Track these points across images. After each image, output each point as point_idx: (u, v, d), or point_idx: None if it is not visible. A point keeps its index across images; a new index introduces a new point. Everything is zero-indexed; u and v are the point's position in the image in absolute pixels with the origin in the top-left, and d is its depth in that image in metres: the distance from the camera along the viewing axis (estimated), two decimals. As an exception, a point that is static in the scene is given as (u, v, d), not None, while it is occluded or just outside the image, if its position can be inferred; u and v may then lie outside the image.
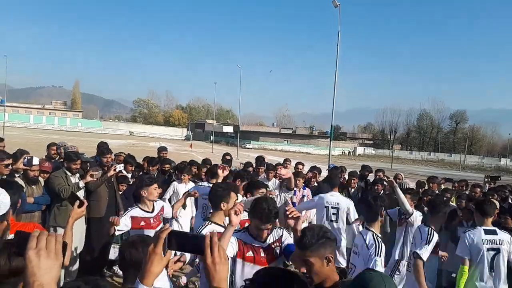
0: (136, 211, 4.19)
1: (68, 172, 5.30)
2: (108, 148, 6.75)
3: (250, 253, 2.93)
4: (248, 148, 62.83)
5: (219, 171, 5.00)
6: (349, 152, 75.50)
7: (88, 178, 5.30)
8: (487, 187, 8.03)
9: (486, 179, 8.54)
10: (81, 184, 5.24)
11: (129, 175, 6.82)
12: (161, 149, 8.43)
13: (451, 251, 6.22)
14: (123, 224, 4.03)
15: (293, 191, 5.88)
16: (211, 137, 58.83)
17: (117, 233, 4.12)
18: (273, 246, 3.00)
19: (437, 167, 53.85)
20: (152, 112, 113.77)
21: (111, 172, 5.72)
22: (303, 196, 6.65)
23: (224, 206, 3.29)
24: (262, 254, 2.93)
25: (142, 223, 4.18)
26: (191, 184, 6.59)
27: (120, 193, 6.09)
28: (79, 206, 2.85)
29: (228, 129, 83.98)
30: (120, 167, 6.03)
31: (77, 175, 5.39)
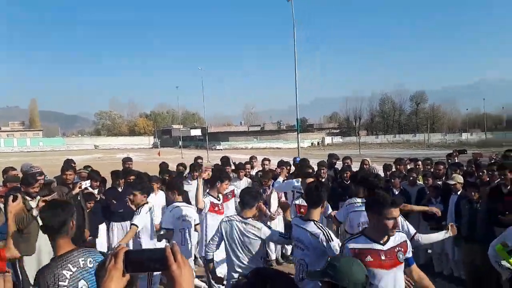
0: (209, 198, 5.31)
1: (27, 197, 5.00)
2: (69, 164, 6.51)
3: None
4: (218, 150, 62.46)
5: None
6: (318, 143, 76.53)
7: (41, 205, 4.94)
8: (456, 160, 8.49)
9: (454, 153, 9.22)
10: (35, 212, 4.74)
11: (96, 191, 6.60)
12: (126, 160, 8.22)
13: (422, 230, 6.42)
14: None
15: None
16: (180, 142, 58.11)
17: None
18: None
19: (403, 148, 55.50)
20: (115, 123, 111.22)
21: (76, 190, 5.52)
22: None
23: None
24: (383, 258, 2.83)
25: (216, 208, 5.33)
26: (161, 193, 6.45)
27: (88, 211, 5.88)
28: (13, 200, 2.87)
29: (196, 132, 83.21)
30: (86, 183, 5.81)
31: (38, 197, 5.10)
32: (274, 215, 6.59)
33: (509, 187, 5.28)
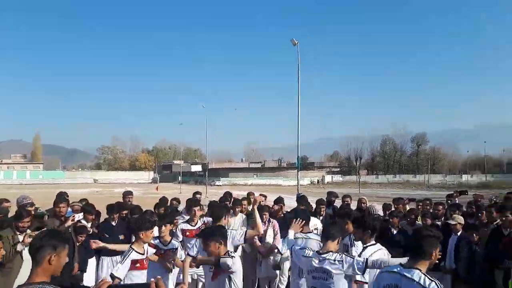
0: (133, 255, 4.46)
1: (17, 231, 4.82)
2: (62, 197, 6.45)
3: None
4: (217, 185, 62.14)
5: None
6: (318, 181, 76.27)
7: (27, 240, 4.65)
8: (456, 201, 8.48)
9: (455, 194, 9.40)
10: (19, 247, 4.59)
11: (89, 224, 6.49)
12: (126, 194, 8.14)
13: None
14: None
15: None
16: (179, 177, 57.97)
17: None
18: None
19: (403, 188, 55.24)
20: (117, 158, 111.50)
21: (69, 223, 5.47)
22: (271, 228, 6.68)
23: None
24: None
25: (138, 264, 4.46)
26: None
27: (78, 244, 5.75)
28: None
29: (197, 168, 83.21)
30: (79, 216, 5.76)
31: (28, 231, 4.96)
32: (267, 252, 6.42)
33: (509, 229, 5.18)
